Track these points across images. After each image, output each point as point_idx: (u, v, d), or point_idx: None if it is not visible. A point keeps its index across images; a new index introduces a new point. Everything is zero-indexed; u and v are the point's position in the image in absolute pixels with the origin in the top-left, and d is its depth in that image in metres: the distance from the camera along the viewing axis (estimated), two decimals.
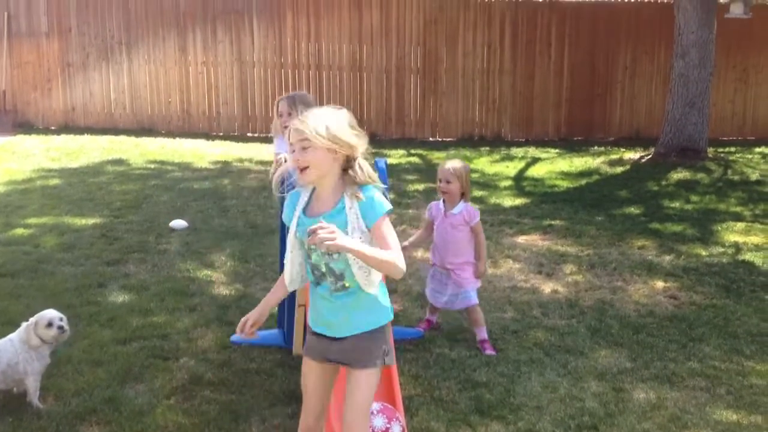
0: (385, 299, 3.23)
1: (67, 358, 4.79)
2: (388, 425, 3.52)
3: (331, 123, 3.03)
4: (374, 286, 3.15)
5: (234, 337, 5.28)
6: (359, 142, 3.07)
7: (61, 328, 4.34)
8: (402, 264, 3.04)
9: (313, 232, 2.84)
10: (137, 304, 5.86)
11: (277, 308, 5.43)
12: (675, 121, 12.14)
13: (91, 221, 8.05)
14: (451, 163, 5.31)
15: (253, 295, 6.15)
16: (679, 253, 7.61)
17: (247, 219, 8.32)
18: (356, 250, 2.94)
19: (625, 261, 7.31)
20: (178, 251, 7.19)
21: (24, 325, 4.36)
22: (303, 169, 3.06)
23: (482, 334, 5.29)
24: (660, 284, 6.70)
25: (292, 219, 3.19)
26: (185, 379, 4.68)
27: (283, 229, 5.09)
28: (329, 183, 3.11)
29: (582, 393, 4.68)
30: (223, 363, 4.93)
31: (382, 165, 4.86)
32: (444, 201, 5.32)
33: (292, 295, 4.93)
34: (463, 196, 5.26)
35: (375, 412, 3.54)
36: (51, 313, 4.38)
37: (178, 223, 7.99)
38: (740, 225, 8.78)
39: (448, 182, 5.23)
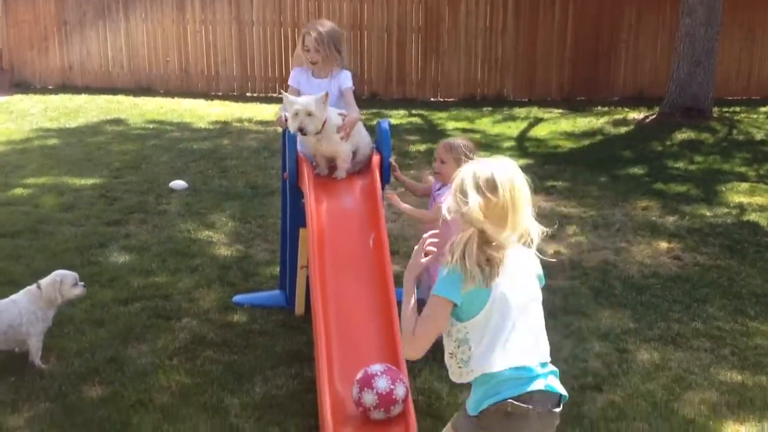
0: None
1: (68, 319, 4.77)
2: (392, 386, 3.49)
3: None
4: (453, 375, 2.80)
5: (236, 298, 5.26)
6: None
7: (84, 286, 4.41)
8: (405, 350, 2.84)
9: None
10: (138, 265, 5.82)
11: (279, 269, 5.40)
12: (680, 80, 11.99)
13: (90, 181, 7.98)
14: (450, 141, 4.70)
15: (254, 256, 6.12)
16: (683, 213, 7.55)
17: (247, 179, 8.26)
18: (406, 289, 2.76)
19: (629, 222, 7.26)
20: (179, 212, 7.14)
21: (42, 284, 4.33)
22: None
23: None
24: (664, 245, 6.66)
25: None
26: (187, 339, 4.67)
27: (285, 188, 5.05)
28: None
29: (585, 354, 4.67)
30: (225, 323, 4.92)
31: (385, 126, 4.79)
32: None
33: (293, 258, 4.91)
34: None
35: (379, 373, 3.51)
36: (71, 273, 4.42)
37: (178, 183, 7.93)
38: (745, 185, 8.71)
39: (441, 162, 4.62)
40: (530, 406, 2.62)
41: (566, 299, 5.45)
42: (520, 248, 2.67)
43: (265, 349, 4.57)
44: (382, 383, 3.49)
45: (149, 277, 5.61)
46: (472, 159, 4.21)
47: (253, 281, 5.61)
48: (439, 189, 4.59)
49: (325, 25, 4.90)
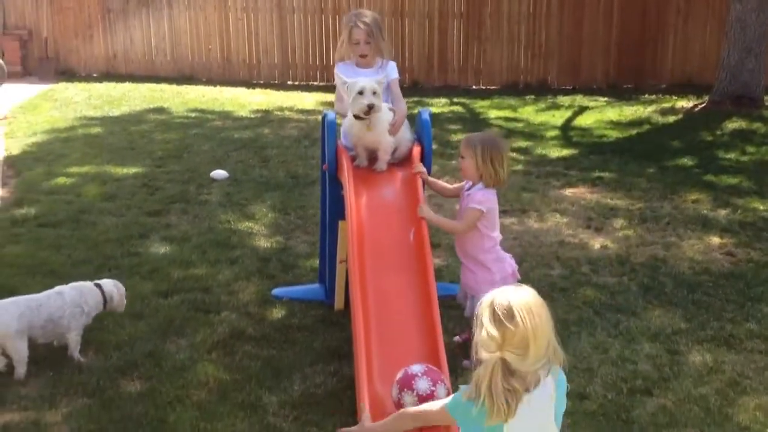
0: None
1: (108, 312, 4.73)
2: (433, 388, 3.38)
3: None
4: None
5: (275, 291, 5.20)
6: None
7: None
8: None
9: None
10: (178, 256, 5.79)
11: (319, 263, 5.33)
12: (731, 67, 11.62)
13: (132, 170, 7.99)
14: (472, 136, 4.40)
15: (293, 248, 6.05)
16: (735, 207, 7.29)
17: (287, 169, 8.19)
18: None
19: (679, 215, 7.03)
20: (219, 202, 7.10)
21: (91, 283, 4.41)
22: None
23: None
24: (716, 240, 6.44)
25: None
26: (226, 333, 4.61)
27: (324, 179, 4.96)
28: None
29: (634, 355, 4.51)
30: (264, 317, 4.86)
31: (426, 117, 4.66)
32: None
33: (333, 251, 4.82)
34: (481, 178, 4.25)
35: (419, 374, 3.41)
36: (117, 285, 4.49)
37: (219, 173, 7.90)
38: None
39: (461, 157, 4.31)
40: None
41: (614, 297, 5.29)
42: (545, 382, 2.62)
43: (304, 344, 4.50)
44: (422, 384, 3.39)
45: (189, 268, 5.57)
46: (493, 152, 4.17)
47: (292, 274, 5.55)
48: (468, 189, 4.35)
49: (369, 15, 4.79)
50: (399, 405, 3.40)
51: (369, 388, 3.61)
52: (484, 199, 4.22)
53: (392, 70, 4.79)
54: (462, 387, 2.69)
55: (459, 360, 4.26)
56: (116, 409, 3.82)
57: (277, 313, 4.93)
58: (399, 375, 3.45)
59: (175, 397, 3.92)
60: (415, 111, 4.97)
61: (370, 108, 4.33)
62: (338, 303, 4.90)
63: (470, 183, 4.34)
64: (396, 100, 4.74)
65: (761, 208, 7.32)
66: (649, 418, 3.87)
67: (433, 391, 3.35)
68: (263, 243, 6.14)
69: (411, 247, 4.15)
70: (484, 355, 2.54)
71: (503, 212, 6.89)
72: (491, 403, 2.52)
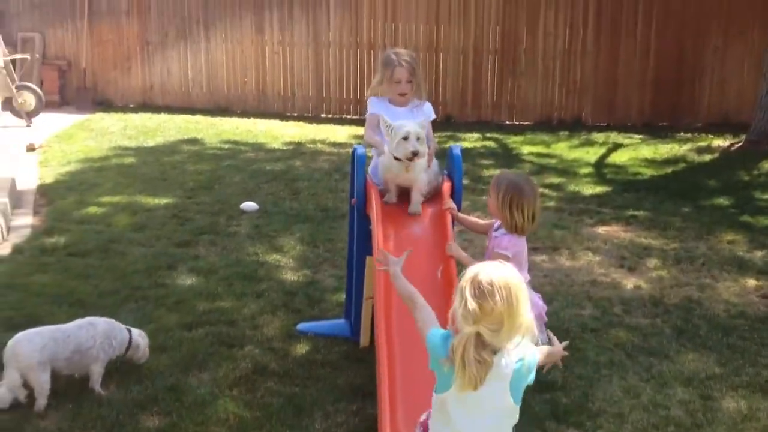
0: None
1: (126, 359, 4.70)
2: None
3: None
4: None
5: (300, 326, 5.15)
6: None
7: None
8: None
9: None
10: (205, 288, 5.78)
11: (345, 298, 5.27)
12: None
13: (163, 201, 8.04)
14: (500, 174, 4.38)
15: (320, 281, 6.01)
16: None
17: (317, 202, 8.18)
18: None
19: (714, 256, 6.87)
20: (248, 234, 7.10)
21: (124, 327, 4.43)
22: None
23: None
24: (752, 282, 6.27)
25: None
26: (249, 368, 4.56)
27: (353, 214, 4.92)
28: None
29: (667, 400, 4.36)
30: (288, 353, 4.80)
31: (457, 152, 4.62)
32: None
33: (359, 287, 4.76)
34: (501, 222, 4.13)
35: None
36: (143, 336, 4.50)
37: (249, 205, 7.91)
38: None
39: (489, 196, 4.20)
40: None
41: (646, 339, 5.15)
42: (512, 352, 2.74)
43: (327, 381, 4.43)
44: None
45: (215, 301, 5.55)
46: (514, 197, 4.04)
47: (318, 308, 5.49)
48: (496, 229, 4.23)
49: (409, 54, 4.77)
50: None
51: (392, 429, 3.52)
52: (509, 245, 4.08)
53: (429, 111, 4.79)
54: (443, 333, 2.82)
55: None
56: None
57: (302, 348, 4.86)
58: (423, 417, 3.35)
59: None
60: (447, 145, 4.92)
61: (415, 154, 4.29)
62: (364, 340, 4.83)
63: (498, 222, 4.24)
64: (428, 139, 4.71)
65: None
66: None
67: None
68: (290, 276, 6.10)
69: (439, 284, 4.07)
70: (461, 326, 2.66)
71: (534, 249, 6.81)
72: (463, 372, 2.65)
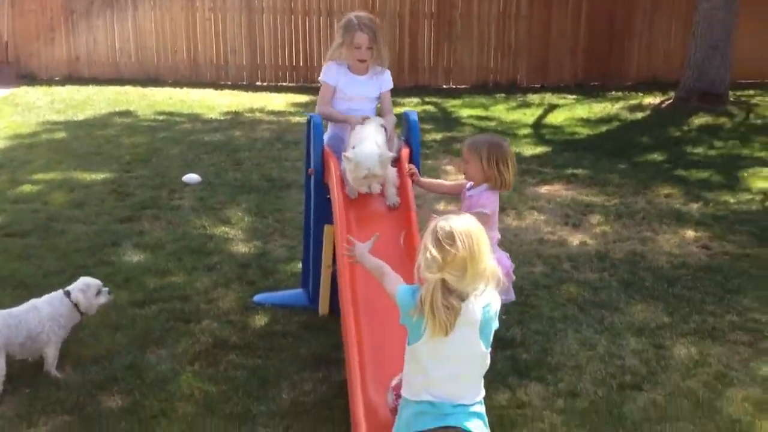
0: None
1: (83, 324, 4.58)
2: None
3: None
4: None
5: (257, 297, 5.10)
6: None
7: (110, 293, 4.31)
8: None
9: None
10: (153, 264, 5.66)
11: (302, 267, 5.24)
12: (697, 64, 11.73)
13: (100, 176, 7.81)
14: (475, 139, 4.34)
15: (272, 252, 5.95)
16: (706, 200, 7.37)
17: (261, 172, 8.07)
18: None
19: (653, 210, 7.08)
20: (193, 207, 6.97)
21: (78, 289, 4.22)
22: None
23: None
24: (690, 234, 6.48)
25: None
26: (209, 342, 4.50)
27: (308, 183, 4.86)
28: None
29: (621, 350, 4.51)
30: (247, 325, 4.75)
31: (414, 117, 4.62)
32: None
33: (317, 255, 4.74)
34: (487, 181, 4.16)
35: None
36: (92, 281, 4.30)
37: (191, 177, 7.76)
38: (766, 171, 8.51)
39: (466, 162, 4.23)
40: None
41: (596, 293, 5.28)
42: (479, 298, 2.81)
43: (289, 352, 4.41)
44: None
45: (165, 277, 5.45)
46: (498, 154, 4.10)
47: (273, 279, 5.44)
48: (469, 189, 4.28)
49: (371, 19, 4.64)
50: (395, 411, 3.31)
51: (363, 396, 3.53)
52: (488, 202, 4.14)
53: (388, 81, 4.73)
54: (411, 288, 2.88)
55: None
56: (97, 426, 3.68)
57: (260, 320, 4.83)
58: (395, 381, 3.37)
59: (160, 410, 3.80)
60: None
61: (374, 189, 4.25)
62: (323, 308, 4.82)
63: (471, 183, 4.27)
64: (386, 112, 4.69)
65: (731, 201, 7.40)
66: (641, 414, 3.86)
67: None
68: (241, 248, 6.03)
69: (401, 251, 4.07)
70: (426, 275, 2.74)
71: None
72: (432, 319, 2.73)
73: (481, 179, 4.18)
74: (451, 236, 2.72)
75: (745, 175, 8.31)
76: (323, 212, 4.59)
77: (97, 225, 6.45)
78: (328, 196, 4.51)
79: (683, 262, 5.85)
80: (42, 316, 4.10)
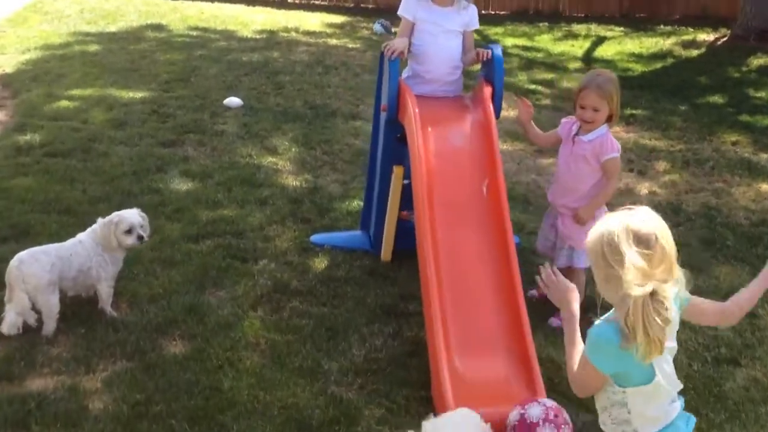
0: None
1: (136, 257, 4.31)
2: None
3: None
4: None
5: (314, 238, 4.81)
6: None
7: (140, 238, 3.86)
8: (573, 387, 2.51)
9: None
10: (203, 194, 5.36)
11: (363, 208, 4.92)
12: (755, 1, 11.13)
13: (138, 95, 7.45)
14: (598, 81, 3.82)
15: (324, 187, 5.64)
16: None
17: (305, 99, 7.69)
18: (566, 327, 2.55)
19: (721, 159, 6.70)
20: (237, 133, 6.63)
21: (99, 222, 3.87)
22: None
23: None
24: (765, 187, 6.12)
25: None
26: (269, 286, 4.22)
27: (377, 120, 4.50)
28: None
29: None
30: (307, 268, 4.47)
31: (498, 53, 4.20)
32: (580, 125, 3.95)
33: (382, 197, 4.43)
34: (609, 119, 3.90)
35: (541, 422, 2.98)
36: (132, 217, 3.86)
37: (233, 100, 7.39)
38: None
39: (595, 110, 3.81)
40: None
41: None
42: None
43: (355, 301, 4.12)
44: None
45: (217, 209, 5.15)
46: (618, 90, 3.81)
47: (328, 218, 5.14)
48: (578, 133, 3.94)
49: None
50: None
51: (448, 360, 3.28)
52: (613, 143, 3.92)
53: (473, 19, 4.34)
54: (602, 325, 2.32)
55: (539, 319, 3.90)
56: (161, 375, 3.42)
57: (320, 263, 4.54)
58: (514, 417, 3.03)
59: (226, 360, 3.54)
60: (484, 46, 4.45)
61: None
62: (385, 254, 4.53)
63: (570, 130, 3.97)
64: (467, 50, 4.31)
65: None
66: (743, 393, 3.57)
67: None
68: (291, 181, 5.71)
69: (485, 199, 3.75)
70: (632, 291, 2.18)
71: (539, 152, 6.54)
72: (647, 342, 2.20)
73: (603, 121, 3.86)
74: (649, 236, 2.23)
75: None
76: (392, 152, 4.27)
77: (140, 148, 6.14)
78: (398, 135, 4.18)
79: (763, 219, 5.51)
80: (88, 251, 3.82)
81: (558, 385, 3.51)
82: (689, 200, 5.79)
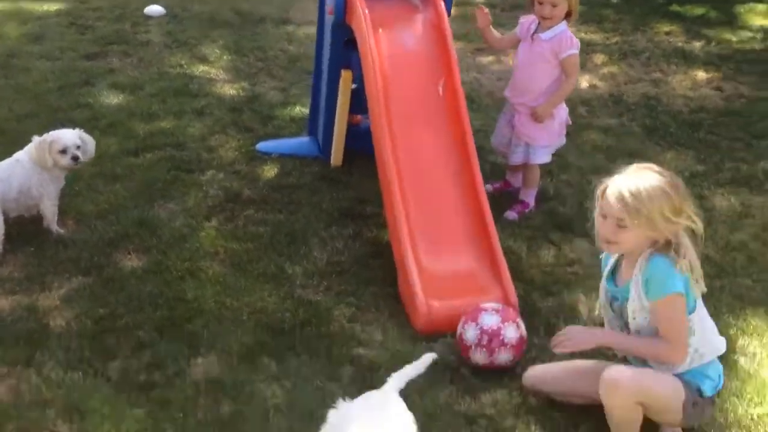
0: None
1: (76, 174, 4.07)
2: (501, 325, 2.90)
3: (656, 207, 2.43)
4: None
5: (260, 146, 4.66)
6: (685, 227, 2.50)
7: (75, 158, 3.63)
8: (676, 357, 2.55)
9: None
10: (136, 107, 5.12)
11: (309, 113, 4.78)
12: None
13: (53, 7, 7.01)
14: None
15: (263, 95, 5.45)
16: (708, 38, 7.06)
17: (231, 4, 7.34)
18: (607, 342, 2.70)
19: (656, 49, 6.74)
20: (163, 42, 6.32)
21: (34, 141, 3.64)
22: (609, 243, 2.55)
23: (527, 196, 4.13)
24: (701, 75, 6.21)
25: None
26: (220, 196, 4.09)
27: (322, 24, 4.31)
28: (638, 253, 2.55)
29: None
30: (257, 177, 4.34)
31: None
32: (539, 22, 3.89)
33: (330, 102, 4.29)
34: (568, 16, 3.86)
35: (489, 309, 3.00)
36: (67, 137, 3.64)
37: (154, 8, 7.02)
38: (762, 6, 8.18)
39: (553, 5, 3.75)
40: None
41: (620, 140, 5.03)
42: None
43: (311, 206, 4.03)
44: (489, 319, 2.94)
45: (153, 121, 4.93)
46: None
47: (271, 125, 4.97)
48: (536, 32, 3.87)
49: None
50: (461, 339, 2.98)
51: (414, 254, 3.25)
52: (571, 40, 3.89)
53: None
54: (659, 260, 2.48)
55: (496, 212, 3.88)
56: (121, 288, 3.30)
57: (269, 171, 4.40)
58: (456, 334, 3.02)
59: (186, 270, 3.43)
60: None
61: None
62: (335, 159, 4.42)
63: (529, 29, 3.89)
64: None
65: (733, 39, 7.12)
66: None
67: (499, 328, 2.92)
68: (228, 90, 5.49)
69: (441, 99, 3.67)
70: (675, 233, 2.47)
71: (478, 50, 6.45)
72: (693, 278, 2.49)
73: (561, 17, 3.79)
74: (678, 181, 2.50)
75: (742, 11, 7.96)
76: (339, 56, 4.14)
77: (62, 62, 5.81)
78: (346, 39, 4.03)
79: (701, 106, 5.60)
80: (27, 170, 3.61)
81: (521, 274, 3.55)
82: (629, 91, 5.84)
